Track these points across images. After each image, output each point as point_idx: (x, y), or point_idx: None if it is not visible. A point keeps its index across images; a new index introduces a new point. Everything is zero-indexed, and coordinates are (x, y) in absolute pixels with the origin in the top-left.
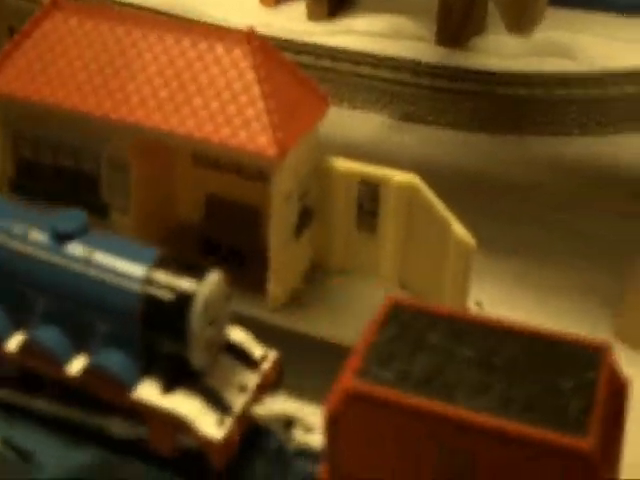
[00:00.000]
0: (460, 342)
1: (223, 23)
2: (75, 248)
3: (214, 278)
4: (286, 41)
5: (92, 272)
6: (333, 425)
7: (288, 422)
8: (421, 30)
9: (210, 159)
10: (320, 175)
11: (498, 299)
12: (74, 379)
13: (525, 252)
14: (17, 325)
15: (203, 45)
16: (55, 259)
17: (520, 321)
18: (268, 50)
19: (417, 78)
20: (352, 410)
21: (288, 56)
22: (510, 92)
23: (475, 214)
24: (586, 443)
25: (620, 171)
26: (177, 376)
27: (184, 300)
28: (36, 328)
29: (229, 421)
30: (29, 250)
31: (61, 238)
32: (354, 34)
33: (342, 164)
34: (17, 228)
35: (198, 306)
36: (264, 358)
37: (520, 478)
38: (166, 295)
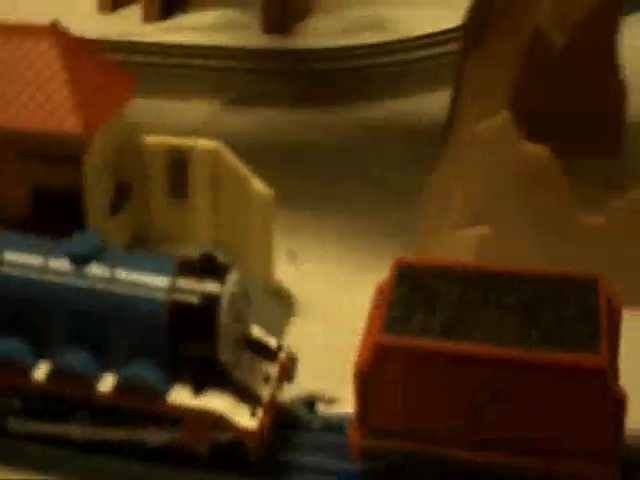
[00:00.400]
0: (470, 289)
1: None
2: (96, 269)
3: (235, 278)
4: (120, 42)
5: (115, 289)
6: (364, 380)
7: (311, 402)
8: (248, 20)
9: (31, 150)
10: (133, 151)
11: (311, 248)
12: (107, 397)
13: (336, 205)
14: (40, 355)
15: (13, 41)
16: (78, 282)
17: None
18: (73, 42)
19: (244, 64)
20: (382, 364)
21: (123, 56)
22: (326, 67)
23: (293, 177)
24: (600, 360)
25: (421, 125)
26: (206, 376)
27: (211, 302)
28: (62, 353)
29: (260, 411)
30: (50, 278)
31: (80, 261)
32: (185, 30)
33: (151, 139)
34: (35, 259)
35: (224, 306)
36: (280, 349)
37: (542, 402)
38: (192, 300)
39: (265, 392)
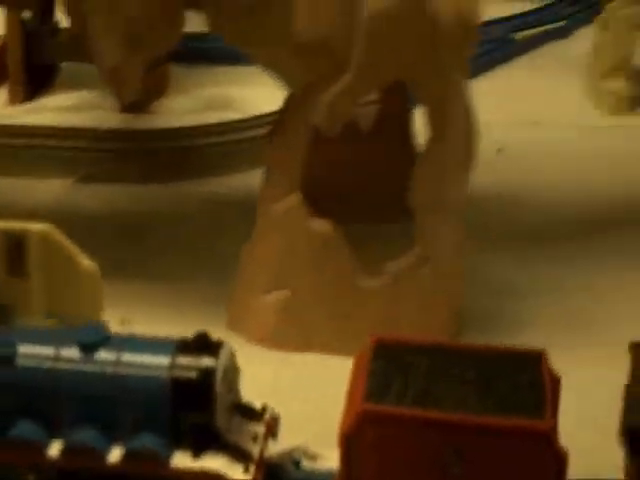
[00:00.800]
0: (437, 363)
1: None
2: (104, 354)
3: (226, 352)
4: None
5: (122, 371)
6: (348, 446)
7: (295, 459)
8: (107, 101)
9: None
10: None
11: (144, 314)
12: (115, 467)
13: (170, 274)
14: (53, 434)
15: None
16: (88, 368)
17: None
18: None
19: (98, 144)
20: (364, 430)
21: None
22: (174, 145)
23: (131, 250)
24: (545, 424)
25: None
26: (204, 440)
27: (207, 376)
28: (73, 432)
29: (252, 467)
30: (62, 366)
31: (89, 349)
32: (48, 111)
33: None
34: (46, 350)
35: (219, 378)
36: (264, 410)
37: (498, 461)
38: (191, 375)
39: (255, 450)
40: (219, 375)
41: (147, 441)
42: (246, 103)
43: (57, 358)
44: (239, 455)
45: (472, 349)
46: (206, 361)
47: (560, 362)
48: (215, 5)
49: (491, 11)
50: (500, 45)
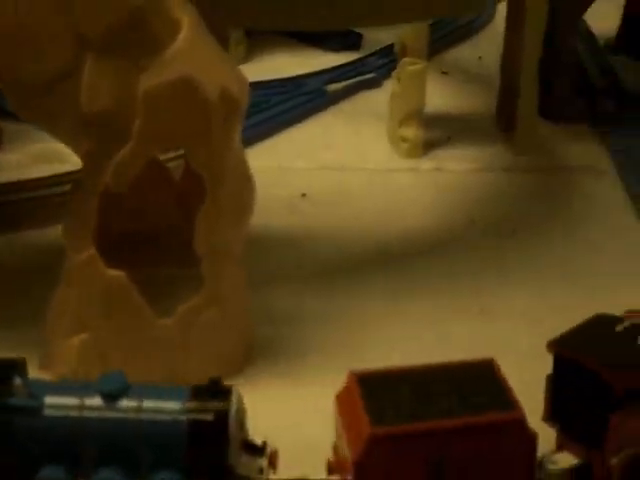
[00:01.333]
0: (415, 385)
1: None
2: (125, 402)
3: (236, 395)
4: None
5: (143, 417)
6: (360, 472)
7: None
8: None
9: None
10: None
11: None
12: None
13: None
14: (77, 475)
15: None
16: (111, 415)
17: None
18: None
19: None
20: (374, 453)
21: None
22: (4, 199)
23: None
24: (518, 413)
25: None
26: (218, 476)
27: (222, 417)
28: (98, 472)
29: None
30: (87, 414)
31: (112, 398)
32: None
33: None
34: (71, 400)
35: (233, 419)
36: (265, 445)
37: (483, 455)
38: (207, 417)
39: None
40: (232, 416)
41: (166, 478)
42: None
43: (81, 407)
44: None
45: (436, 368)
46: (220, 404)
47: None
48: (14, 84)
49: (306, 65)
50: (314, 97)
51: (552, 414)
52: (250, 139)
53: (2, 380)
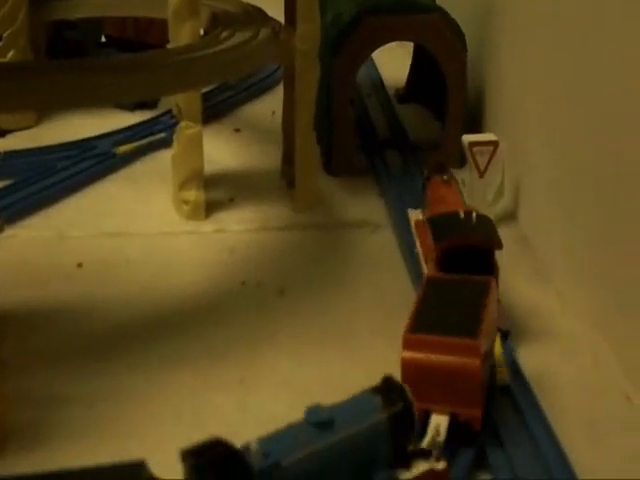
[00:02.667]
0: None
1: None
2: (337, 425)
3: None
4: None
5: (351, 430)
6: (408, 368)
7: None
8: None
9: None
10: None
11: None
12: None
13: None
14: None
15: None
16: (322, 443)
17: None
18: None
19: None
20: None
21: None
22: None
23: None
24: (477, 342)
25: None
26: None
27: (408, 403)
28: None
29: (439, 458)
30: (305, 450)
31: (323, 427)
32: None
33: None
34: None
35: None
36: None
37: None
38: (399, 406)
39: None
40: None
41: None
42: None
43: (303, 447)
44: (429, 455)
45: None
46: (399, 396)
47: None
48: None
49: (101, 126)
50: (102, 160)
51: None
52: (31, 207)
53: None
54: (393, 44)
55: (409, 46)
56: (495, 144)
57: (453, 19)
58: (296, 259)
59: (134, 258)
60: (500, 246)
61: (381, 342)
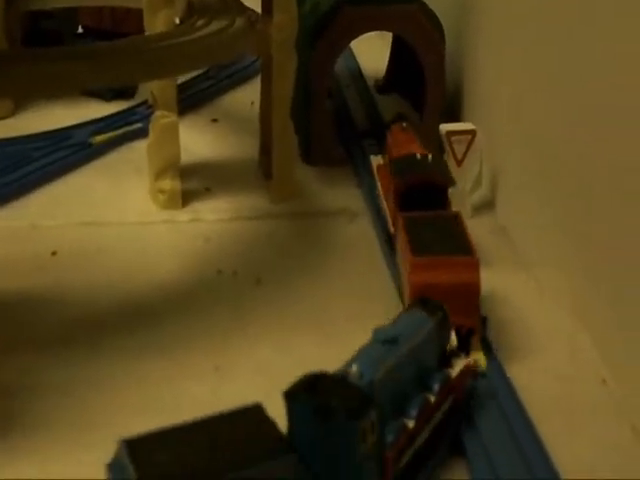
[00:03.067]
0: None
1: None
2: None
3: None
4: None
5: (417, 340)
6: (416, 288)
7: None
8: None
9: None
10: None
11: None
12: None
13: None
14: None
15: None
16: (394, 357)
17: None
18: None
19: None
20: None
21: None
22: None
23: None
24: (475, 259)
25: None
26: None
27: (445, 316)
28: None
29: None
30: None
31: (391, 343)
32: None
33: None
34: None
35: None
36: None
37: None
38: (439, 317)
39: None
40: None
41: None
42: None
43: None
44: (460, 355)
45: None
46: (437, 307)
47: None
48: None
49: (77, 116)
50: (77, 150)
51: None
52: (6, 197)
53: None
54: (372, 34)
55: (388, 36)
56: (473, 133)
57: (431, 10)
58: (273, 248)
59: (109, 247)
60: (453, 183)
61: (357, 328)
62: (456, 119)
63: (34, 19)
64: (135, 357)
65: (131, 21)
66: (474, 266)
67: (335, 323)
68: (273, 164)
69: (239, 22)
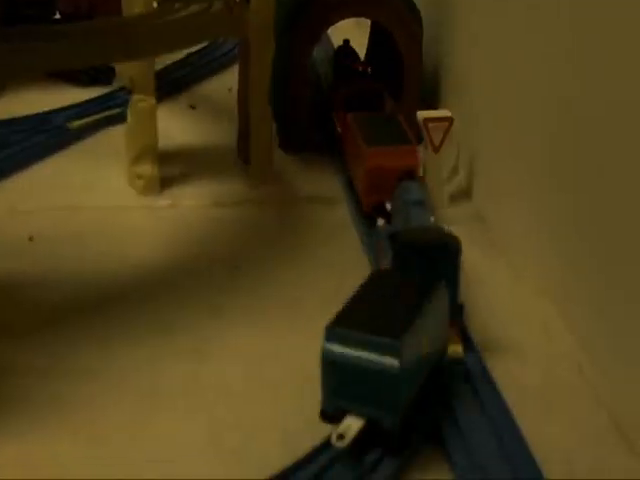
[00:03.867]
0: None
1: None
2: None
3: None
4: None
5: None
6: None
7: None
8: None
9: None
10: None
11: None
12: None
13: None
14: None
15: None
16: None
17: None
18: None
19: None
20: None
21: None
22: None
23: None
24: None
25: None
26: None
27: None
28: None
29: None
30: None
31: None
32: None
33: None
34: None
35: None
36: None
37: None
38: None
39: None
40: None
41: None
42: None
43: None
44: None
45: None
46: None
47: None
48: None
49: (47, 101)
50: (55, 134)
51: None
52: None
53: None
54: (350, 21)
55: (366, 23)
56: (450, 120)
57: None
58: (251, 233)
59: (86, 232)
60: (386, 89)
61: (333, 312)
62: (434, 106)
63: (12, 5)
64: (116, 341)
65: (108, 7)
66: (413, 153)
67: (312, 306)
68: (251, 149)
69: (217, 5)
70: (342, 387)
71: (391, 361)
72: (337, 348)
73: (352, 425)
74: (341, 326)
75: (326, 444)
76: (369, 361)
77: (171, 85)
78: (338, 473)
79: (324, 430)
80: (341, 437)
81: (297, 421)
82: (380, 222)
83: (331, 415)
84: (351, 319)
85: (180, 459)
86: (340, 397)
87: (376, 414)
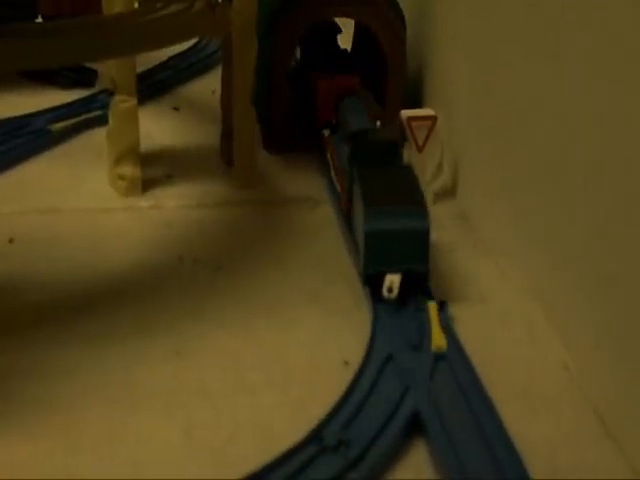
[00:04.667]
0: None
1: None
2: None
3: None
4: None
5: None
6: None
7: None
8: None
9: None
10: None
11: None
12: None
13: None
14: None
15: None
16: None
17: None
18: None
19: None
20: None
21: None
22: None
23: None
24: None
25: None
26: None
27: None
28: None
29: None
30: None
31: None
32: None
33: None
34: None
35: None
36: None
37: None
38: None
39: None
40: None
41: None
42: None
43: None
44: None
45: None
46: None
47: None
48: None
49: (36, 104)
50: (36, 137)
51: None
52: None
53: None
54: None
55: (350, 23)
56: (433, 119)
57: None
58: (234, 235)
59: (68, 234)
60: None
61: (317, 313)
62: (417, 105)
63: None
64: (96, 343)
65: (92, 9)
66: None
67: (296, 308)
68: (235, 150)
69: (198, 5)
70: (382, 252)
71: (422, 223)
72: (375, 223)
73: (394, 279)
74: (375, 205)
75: (304, 442)
76: (404, 226)
77: (154, 87)
78: (317, 471)
79: (304, 429)
80: (389, 291)
81: (278, 421)
82: (325, 132)
83: (373, 277)
84: (377, 200)
85: (159, 459)
86: (380, 261)
87: (412, 266)
